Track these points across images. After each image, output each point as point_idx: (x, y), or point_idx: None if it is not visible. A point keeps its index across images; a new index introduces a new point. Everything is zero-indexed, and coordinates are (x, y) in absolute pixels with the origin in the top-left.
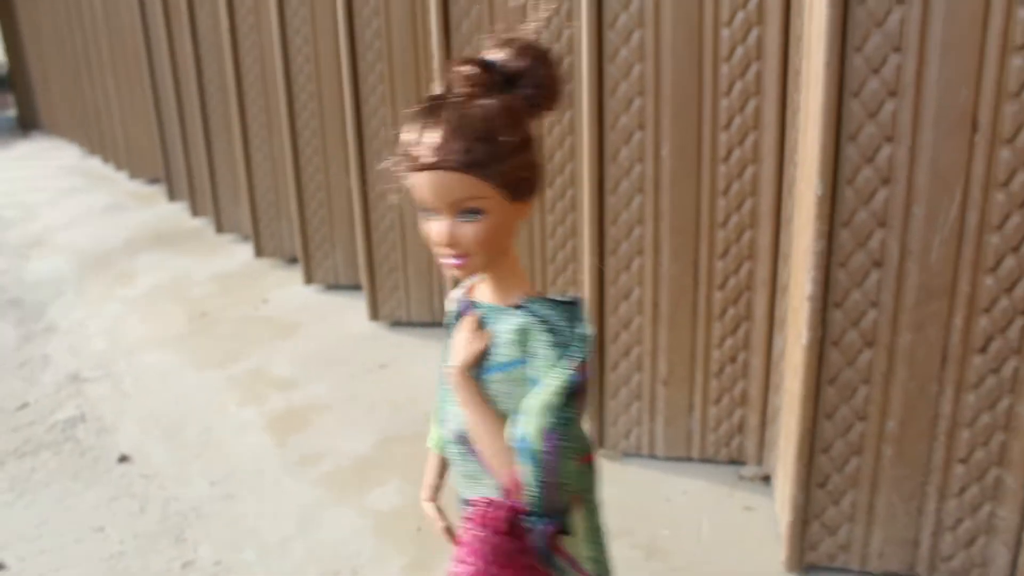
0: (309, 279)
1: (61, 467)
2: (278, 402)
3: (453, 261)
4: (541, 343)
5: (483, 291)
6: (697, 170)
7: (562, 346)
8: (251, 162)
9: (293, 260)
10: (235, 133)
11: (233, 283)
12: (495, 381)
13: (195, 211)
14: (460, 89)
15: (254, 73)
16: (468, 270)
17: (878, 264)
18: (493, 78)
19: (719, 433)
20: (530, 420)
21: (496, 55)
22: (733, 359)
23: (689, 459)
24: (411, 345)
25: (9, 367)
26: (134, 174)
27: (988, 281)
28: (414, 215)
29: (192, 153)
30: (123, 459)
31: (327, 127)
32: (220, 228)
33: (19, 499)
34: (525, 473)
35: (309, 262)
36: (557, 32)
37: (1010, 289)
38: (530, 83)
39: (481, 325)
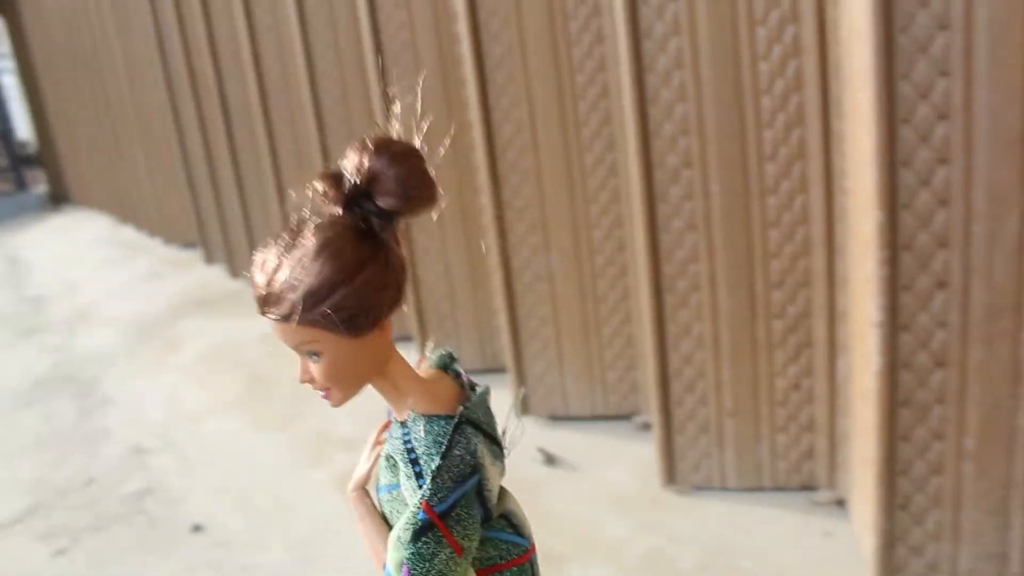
0: None
1: (135, 540)
2: (346, 462)
3: (320, 395)
4: (402, 471)
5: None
6: (746, 203)
7: (417, 476)
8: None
9: None
10: (270, 193)
11: (282, 343)
12: (385, 501)
13: (234, 273)
14: (313, 211)
15: (286, 135)
16: (336, 401)
17: (943, 285)
18: (344, 191)
19: (789, 460)
20: (390, 552)
21: (349, 162)
22: (797, 386)
23: (761, 488)
24: None
25: (72, 442)
26: (168, 240)
27: None
28: (460, 264)
29: (227, 215)
30: (196, 529)
31: None
32: None
33: (98, 574)
34: None
35: None
36: (591, 76)
37: None
38: (385, 189)
39: (387, 437)
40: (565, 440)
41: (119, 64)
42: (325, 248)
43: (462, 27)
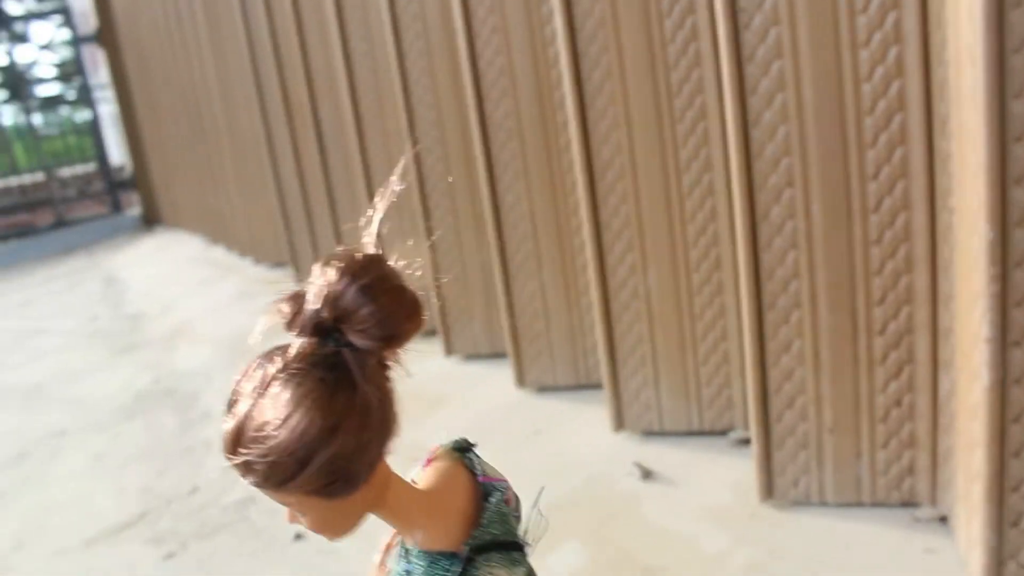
0: (449, 351)
1: (240, 547)
2: None
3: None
4: None
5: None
6: (848, 222)
7: None
8: (381, 240)
9: (429, 333)
10: (362, 214)
11: None
12: None
13: None
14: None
15: (380, 158)
16: (332, 540)
17: None
18: (310, 324)
19: (889, 476)
20: None
21: (314, 288)
22: (898, 403)
23: (860, 504)
24: (561, 410)
25: (175, 454)
26: (258, 260)
27: None
28: (554, 283)
29: (319, 236)
30: (298, 537)
31: (458, 202)
32: None
33: None
34: None
35: (448, 333)
36: (689, 99)
37: None
38: (356, 328)
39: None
40: (661, 455)
41: (214, 91)
42: (294, 410)
43: (560, 50)
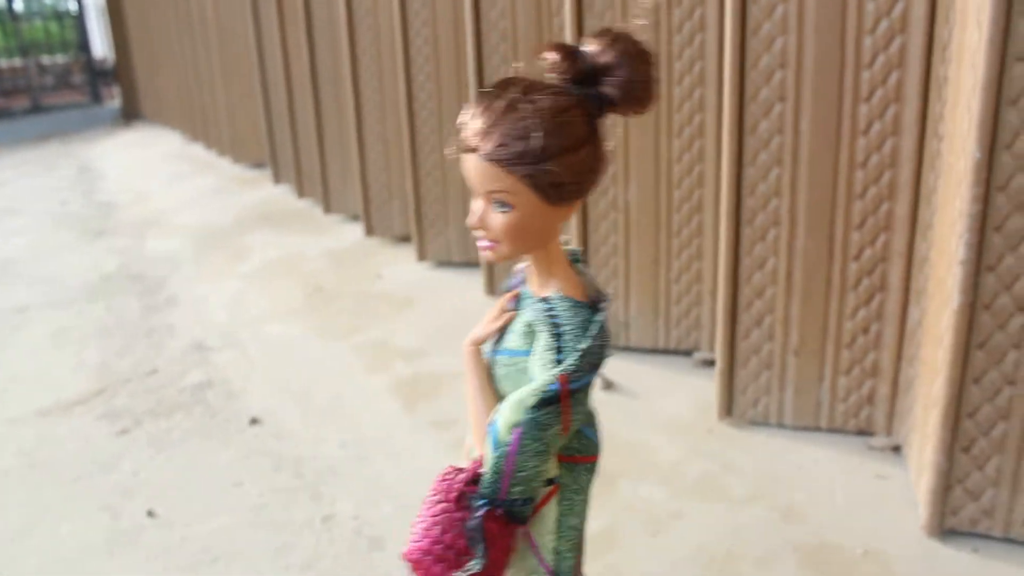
0: (422, 256)
1: (194, 428)
2: (404, 370)
3: (484, 244)
4: (542, 342)
5: (531, 275)
6: (836, 142)
7: (557, 351)
8: (364, 145)
9: (403, 239)
10: (348, 118)
11: (346, 260)
12: (502, 364)
13: (301, 193)
14: (545, 75)
15: (369, 56)
16: (497, 255)
17: None
18: (577, 68)
19: (848, 403)
20: (504, 412)
21: (588, 45)
22: (865, 330)
23: (817, 429)
24: None
25: (136, 335)
26: (237, 159)
27: None
28: None
29: (301, 138)
30: (254, 422)
31: (444, 108)
32: (328, 208)
33: (159, 454)
34: (487, 457)
35: (422, 239)
36: (689, 10)
37: None
38: (614, 80)
39: (514, 306)
40: (625, 369)
41: None
42: (564, 113)
43: None
